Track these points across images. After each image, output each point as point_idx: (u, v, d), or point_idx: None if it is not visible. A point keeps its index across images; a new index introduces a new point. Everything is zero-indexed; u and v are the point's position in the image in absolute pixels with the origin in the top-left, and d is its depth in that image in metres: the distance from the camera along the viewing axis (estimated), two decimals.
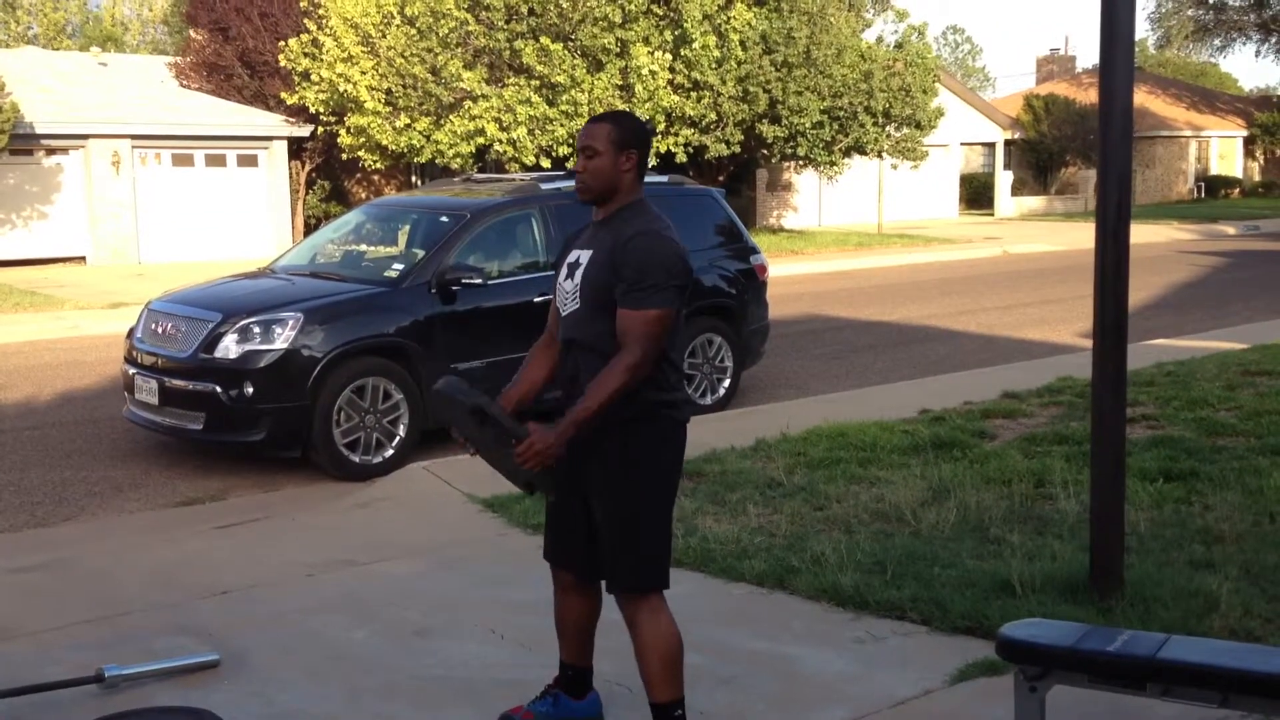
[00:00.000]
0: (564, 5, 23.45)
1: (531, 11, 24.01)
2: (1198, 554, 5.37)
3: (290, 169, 27.87)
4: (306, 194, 29.25)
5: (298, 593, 5.49)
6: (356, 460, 8.06)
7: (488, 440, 3.61)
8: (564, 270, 3.80)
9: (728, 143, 25.56)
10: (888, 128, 27.81)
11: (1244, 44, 51.31)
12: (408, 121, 24.56)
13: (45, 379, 11.81)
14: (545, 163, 24.15)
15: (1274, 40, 49.25)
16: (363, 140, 25.54)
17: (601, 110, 23.24)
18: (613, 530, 3.67)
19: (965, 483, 6.61)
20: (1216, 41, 51.22)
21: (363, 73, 24.13)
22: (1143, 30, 53.80)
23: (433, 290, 8.47)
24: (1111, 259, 4.73)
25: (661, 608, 3.69)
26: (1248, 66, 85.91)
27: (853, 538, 5.77)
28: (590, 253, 3.71)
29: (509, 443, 3.50)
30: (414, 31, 24.07)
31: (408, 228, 9.73)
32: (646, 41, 24.28)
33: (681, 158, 25.44)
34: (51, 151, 24.75)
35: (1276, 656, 3.29)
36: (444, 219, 9.19)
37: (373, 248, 9.80)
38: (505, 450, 3.53)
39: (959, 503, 6.20)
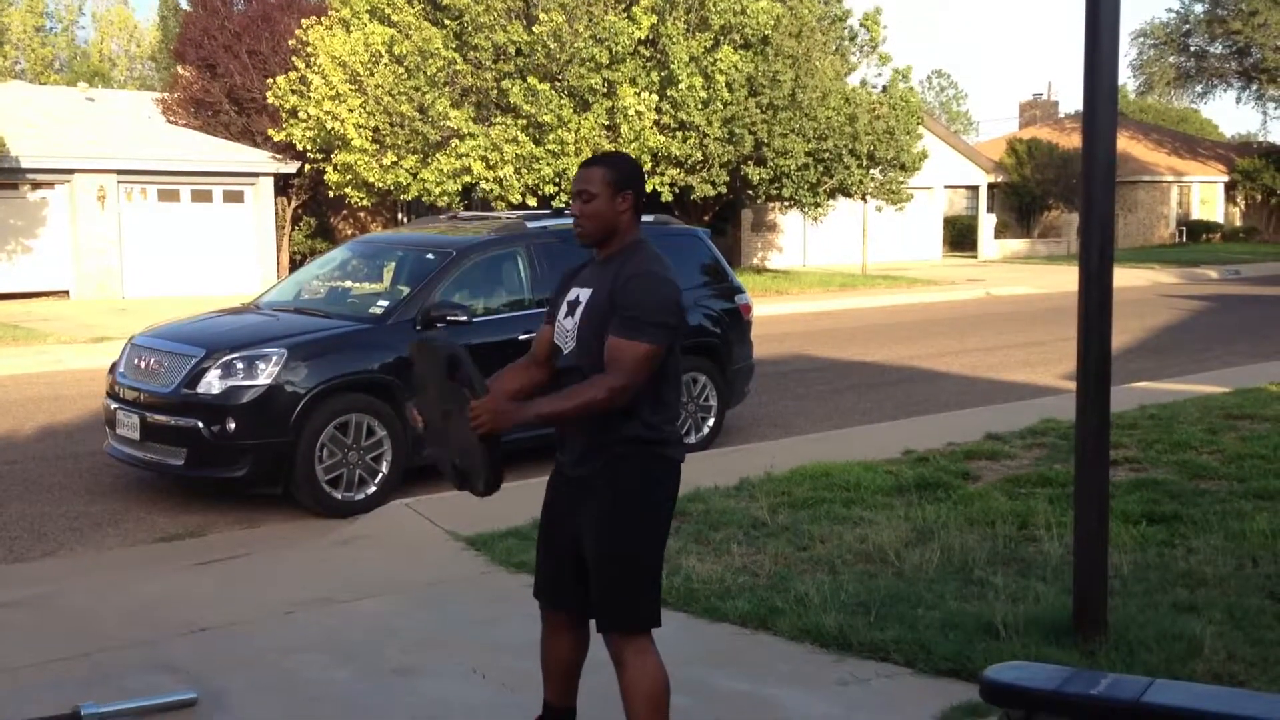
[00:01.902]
0: (551, 46, 23.60)
1: (519, 51, 24.16)
2: (1181, 597, 5.37)
3: (276, 205, 27.89)
4: (292, 230, 29.26)
5: (277, 631, 5.44)
6: (339, 497, 8.02)
7: (446, 401, 3.59)
8: (564, 308, 3.79)
9: (713, 183, 25.69)
10: (872, 170, 28.01)
11: (1225, 90, 51.86)
12: (394, 159, 24.63)
13: (26, 413, 11.74)
14: (531, 201, 24.23)
15: (1254, 87, 49.79)
16: (349, 177, 25.59)
17: (588, 150, 23.39)
18: (604, 570, 3.65)
19: (949, 524, 6.60)
20: (1198, 88, 51.77)
21: (350, 110, 24.21)
22: (1125, 77, 54.37)
23: (418, 327, 8.46)
24: (1095, 302, 4.75)
25: (649, 648, 3.66)
26: (1229, 113, 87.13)
27: (836, 578, 5.75)
28: (590, 291, 3.71)
29: (467, 402, 3.48)
30: (402, 70, 24.18)
31: (393, 264, 9.74)
32: (633, 82, 24.43)
33: (667, 197, 25.55)
34: (37, 186, 24.73)
35: (1260, 701, 3.28)
36: (429, 256, 9.20)
37: (358, 284, 9.79)
38: (462, 415, 3.50)
39: (943, 544, 6.20)
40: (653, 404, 3.65)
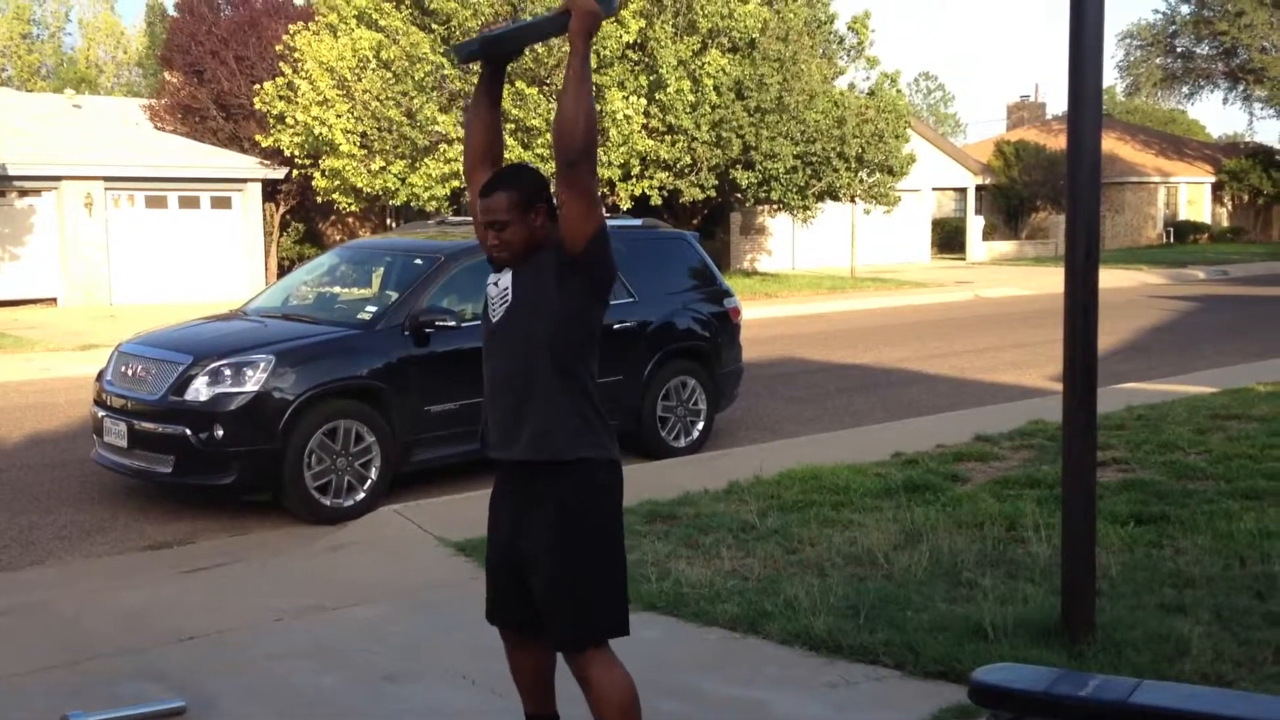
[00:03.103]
0: (539, 50, 23.61)
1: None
2: (1169, 597, 5.38)
3: (264, 211, 27.85)
4: (281, 236, 29.22)
5: (266, 638, 5.43)
6: (327, 503, 8.01)
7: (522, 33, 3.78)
8: (490, 286, 3.70)
9: (702, 186, 25.72)
10: (860, 173, 28.05)
11: (1212, 91, 52.09)
12: (383, 164, 24.62)
13: (13, 421, 11.70)
14: None
15: (1241, 88, 49.96)
16: (337, 183, 25.56)
17: None
18: (557, 590, 3.55)
19: (938, 526, 6.62)
20: (1185, 89, 51.94)
21: (338, 116, 24.19)
22: (1111, 78, 54.52)
23: (406, 332, 8.45)
24: (1080, 303, 4.76)
25: (612, 660, 3.59)
26: (1216, 113, 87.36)
27: (826, 581, 5.76)
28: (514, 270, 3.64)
29: (557, 21, 3.55)
30: (389, 75, 24.16)
31: (381, 270, 9.73)
32: (621, 86, 24.45)
33: (656, 201, 25.58)
34: (24, 193, 24.67)
35: (1248, 701, 3.29)
36: (418, 261, 9.19)
37: (346, 290, 9.79)
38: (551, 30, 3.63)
39: (931, 546, 6.21)
40: (588, 402, 3.57)
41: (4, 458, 10.02)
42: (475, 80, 22.73)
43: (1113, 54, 55.69)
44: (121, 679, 4.89)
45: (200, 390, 7.87)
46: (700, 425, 10.12)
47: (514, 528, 3.67)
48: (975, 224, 42.41)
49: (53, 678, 4.94)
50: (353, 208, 26.70)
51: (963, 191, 43.18)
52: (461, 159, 22.48)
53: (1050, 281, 28.63)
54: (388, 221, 31.32)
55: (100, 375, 8.80)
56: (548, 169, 23.78)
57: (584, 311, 3.60)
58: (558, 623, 3.58)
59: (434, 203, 24.70)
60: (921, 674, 4.72)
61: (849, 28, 29.30)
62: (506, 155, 20.18)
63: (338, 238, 30.65)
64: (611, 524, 3.62)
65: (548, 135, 23.66)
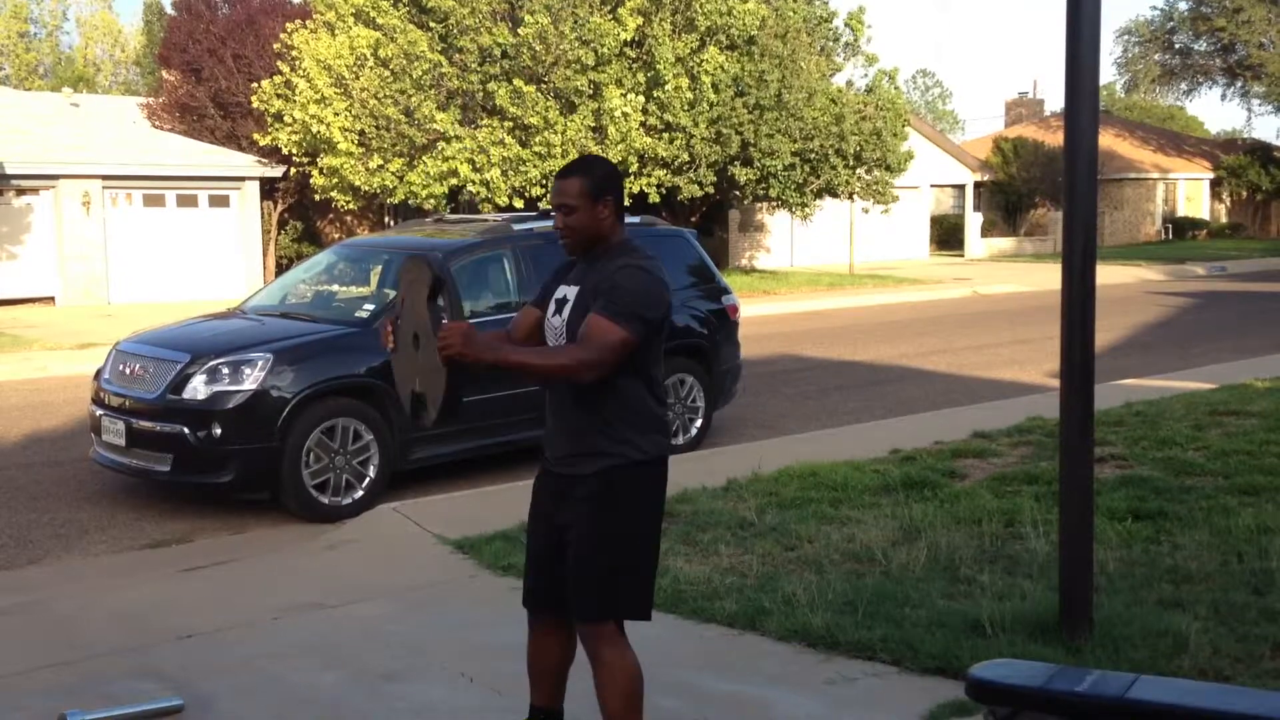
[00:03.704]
0: (537, 48, 23.60)
1: (505, 54, 24.15)
2: (1167, 593, 5.39)
3: (262, 209, 27.83)
4: (278, 234, 29.20)
5: (264, 636, 5.43)
6: (326, 502, 8.00)
7: (422, 324, 3.60)
8: (552, 306, 3.80)
9: (700, 184, 25.71)
10: (859, 170, 28.04)
11: (1210, 88, 52.06)
12: (381, 162, 24.60)
13: (12, 420, 11.69)
14: (518, 203, 24.23)
15: (1239, 84, 49.98)
16: (335, 181, 25.54)
17: (575, 152, 23.40)
18: (585, 564, 3.66)
19: (936, 522, 6.62)
20: (1183, 85, 51.95)
21: (336, 114, 24.17)
22: (1110, 74, 54.56)
23: None
24: (1078, 300, 4.76)
25: (624, 644, 3.69)
26: (1214, 110, 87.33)
27: (824, 578, 5.76)
28: (578, 289, 3.72)
29: (439, 326, 3.49)
30: (387, 73, 24.15)
31: (379, 268, 9.72)
32: (619, 84, 24.44)
33: (654, 198, 25.57)
34: (22, 192, 24.64)
35: (1245, 696, 3.30)
36: None
37: (344, 288, 9.77)
38: (430, 339, 3.52)
39: (929, 542, 6.21)
40: (654, 400, 3.69)
41: (2, 456, 10.01)
42: (473, 79, 22.72)
43: (1111, 50, 55.83)
44: (119, 677, 4.89)
45: (198, 389, 7.87)
46: (698, 422, 10.11)
47: (554, 503, 3.77)
48: (974, 221, 42.40)
49: (50, 676, 4.94)
50: (350, 206, 26.69)
51: (961, 188, 43.18)
52: (459, 157, 22.39)
53: (1049, 278, 28.64)
54: (385, 220, 31.31)
55: (98, 374, 8.79)
56: (547, 167, 23.79)
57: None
58: (579, 592, 3.68)
59: (432, 201, 24.69)
60: (919, 670, 4.73)
61: (846, 24, 29.29)
62: (504, 154, 20.04)
63: (335, 236, 30.64)
64: (647, 510, 3.72)
65: (546, 134, 23.67)
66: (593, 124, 24.23)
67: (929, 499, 7.20)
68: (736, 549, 6.35)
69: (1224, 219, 50.55)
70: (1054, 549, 5.55)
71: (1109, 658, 4.59)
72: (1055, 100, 58.13)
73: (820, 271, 32.73)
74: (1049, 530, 6.16)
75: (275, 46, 26.30)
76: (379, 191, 25.31)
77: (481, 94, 24.41)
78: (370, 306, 8.81)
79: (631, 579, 3.69)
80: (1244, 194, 50.08)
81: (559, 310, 3.76)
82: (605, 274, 3.63)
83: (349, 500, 8.06)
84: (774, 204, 28.78)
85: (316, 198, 27.50)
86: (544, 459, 3.86)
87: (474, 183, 24.06)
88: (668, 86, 24.48)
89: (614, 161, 24.21)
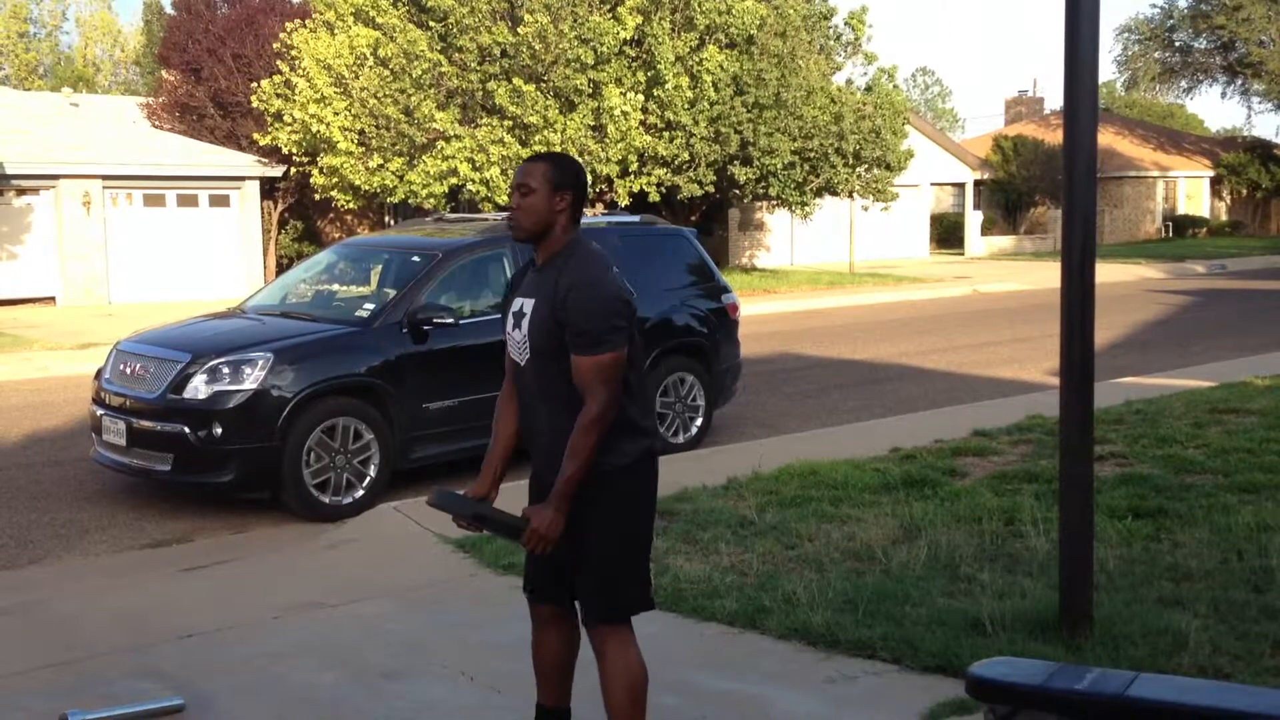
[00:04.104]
0: (536, 47, 23.59)
1: (504, 53, 24.15)
2: (1166, 591, 5.39)
3: (262, 209, 27.84)
4: (279, 234, 29.21)
5: (265, 636, 5.43)
6: (326, 501, 8.01)
7: (492, 529, 3.75)
8: (510, 320, 3.82)
9: (700, 183, 25.72)
10: (858, 169, 28.04)
11: (1210, 85, 52.04)
12: (380, 162, 24.60)
13: (12, 420, 11.70)
14: None
15: (1239, 82, 49.98)
16: (335, 180, 25.55)
17: (574, 151, 23.40)
18: (588, 564, 3.68)
19: (936, 521, 6.62)
20: (1183, 83, 51.95)
21: (335, 113, 24.17)
22: (1110, 72, 54.58)
23: (404, 330, 8.45)
24: (1077, 297, 4.76)
25: (631, 641, 3.72)
26: (1214, 108, 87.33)
27: (824, 576, 5.76)
28: (533, 301, 3.73)
29: (515, 535, 3.62)
30: (387, 72, 24.15)
31: (379, 267, 9.72)
32: (619, 82, 24.44)
33: (654, 197, 25.57)
34: (22, 192, 24.65)
35: (1245, 694, 3.30)
36: (415, 259, 9.19)
37: (344, 287, 9.78)
38: (512, 541, 3.69)
39: (930, 541, 6.21)
40: (626, 395, 3.67)
41: (2, 456, 10.01)
42: (472, 78, 22.67)
43: (1111, 48, 55.86)
44: (120, 677, 4.90)
45: (199, 388, 7.87)
46: (699, 421, 10.12)
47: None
48: (974, 219, 42.41)
49: (51, 676, 4.94)
50: (351, 205, 26.69)
51: (961, 187, 43.19)
52: (459, 156, 22.41)
53: (1049, 276, 28.64)
54: (385, 219, 31.32)
55: (99, 374, 8.79)
56: None
57: None
58: (583, 594, 3.73)
59: (432, 200, 24.68)
60: (919, 669, 4.73)
61: (846, 23, 29.29)
62: (503, 153, 20.04)
63: (336, 235, 30.65)
64: (639, 507, 3.73)
65: (545, 133, 23.67)
66: (592, 123, 24.23)
67: (929, 497, 7.21)
68: (737, 547, 6.35)
69: (1224, 217, 50.55)
70: (1054, 547, 5.56)
71: (1109, 656, 4.59)
72: (1055, 98, 58.13)
73: (820, 270, 32.74)
74: (1049, 528, 6.16)
75: (275, 46, 26.30)
76: (379, 191, 25.31)
77: (481, 93, 24.41)
78: (370, 306, 8.81)
79: (631, 577, 3.72)
80: (1244, 192, 50.08)
81: (517, 324, 3.77)
82: (559, 290, 3.63)
83: (350, 499, 8.06)
84: (774, 203, 28.79)
85: (316, 197, 27.50)
86: (535, 465, 3.88)
87: (474, 182, 24.06)
88: (667, 85, 24.47)
89: (614, 160, 24.23)
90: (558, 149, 23.63)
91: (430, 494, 3.83)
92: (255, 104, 26.00)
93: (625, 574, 3.70)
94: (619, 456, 3.66)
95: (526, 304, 3.75)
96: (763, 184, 26.72)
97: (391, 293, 8.88)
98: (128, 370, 8.40)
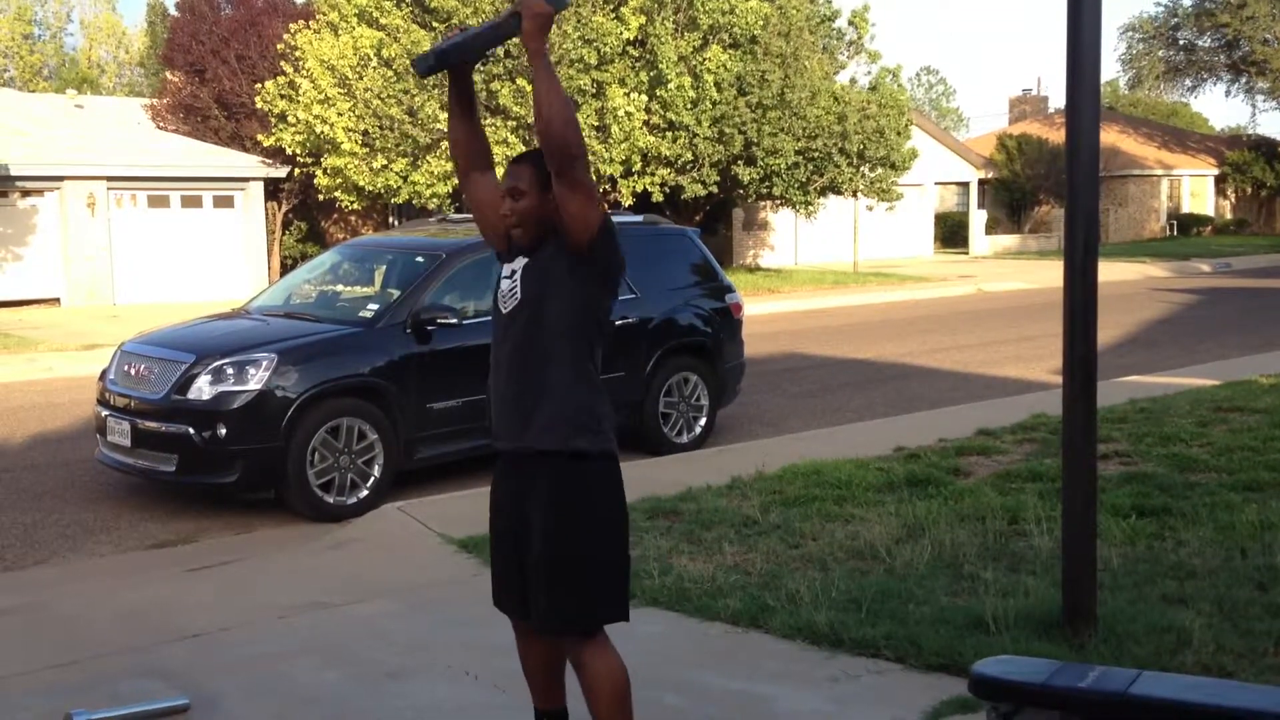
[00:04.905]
0: None
1: (508, 53, 24.15)
2: (1170, 589, 5.39)
3: (267, 210, 27.87)
4: (283, 235, 29.24)
5: (269, 635, 5.44)
6: (331, 501, 8.02)
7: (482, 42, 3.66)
8: (504, 270, 3.72)
9: (704, 183, 25.72)
10: (862, 168, 28.03)
11: (1214, 84, 52.02)
12: (384, 162, 24.62)
13: (17, 421, 11.72)
14: None
15: (1244, 80, 49.94)
16: (339, 181, 25.57)
17: None
18: (551, 575, 3.57)
19: (940, 520, 6.62)
20: (1187, 82, 51.93)
21: (339, 114, 24.19)
22: (1114, 71, 54.53)
23: (408, 330, 8.46)
24: (1080, 296, 4.76)
25: (607, 646, 3.63)
26: (1218, 106, 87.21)
27: (828, 575, 5.76)
28: (526, 260, 3.66)
29: (514, 22, 3.48)
30: (391, 73, 24.17)
31: (383, 268, 9.73)
32: (622, 83, 24.44)
33: (658, 197, 25.57)
34: (26, 193, 24.69)
35: (1247, 692, 3.30)
36: (419, 259, 9.20)
37: (348, 288, 9.79)
38: (508, 33, 3.56)
39: (933, 540, 6.21)
40: (591, 389, 3.61)
41: (8, 457, 10.04)
42: (476, 80, 22.83)
43: (1115, 47, 55.74)
44: (124, 677, 4.91)
45: (203, 389, 7.88)
46: (702, 421, 10.12)
47: (515, 512, 3.69)
48: (978, 218, 42.39)
49: (56, 676, 4.95)
50: (355, 206, 26.72)
51: (965, 186, 43.16)
52: None
53: (1053, 275, 28.55)
54: (390, 220, 31.34)
55: (103, 375, 8.81)
56: None
57: (594, 301, 3.63)
58: (543, 605, 3.60)
59: (436, 200, 24.70)
60: (923, 667, 4.73)
61: (850, 23, 29.28)
62: (508, 151, 20.18)
63: (340, 236, 30.67)
64: (609, 512, 3.63)
65: None
66: (596, 123, 24.23)
67: (933, 496, 7.21)
68: (740, 547, 6.35)
69: (1229, 215, 50.49)
70: (1057, 545, 5.55)
71: (1112, 654, 4.59)
72: (1059, 97, 58.09)
73: (824, 269, 32.73)
74: (1052, 527, 6.16)
75: (279, 47, 26.33)
76: (383, 191, 25.33)
77: (485, 93, 24.42)
78: (374, 306, 8.82)
79: (602, 580, 3.60)
80: (1248, 190, 50.02)
81: (510, 275, 3.68)
82: (558, 245, 3.58)
83: (354, 500, 8.07)
84: (777, 202, 28.78)
85: (321, 198, 27.52)
86: (499, 451, 3.78)
87: None
88: (670, 85, 24.47)
89: (618, 160, 24.22)
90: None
91: (414, 62, 3.75)
92: (259, 105, 26.02)
93: (590, 580, 3.58)
94: (593, 438, 3.57)
95: (519, 262, 3.68)
96: (767, 184, 26.71)
97: (395, 293, 8.89)
98: (132, 371, 8.42)
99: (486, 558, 6.38)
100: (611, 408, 3.71)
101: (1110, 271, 25.83)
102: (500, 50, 23.98)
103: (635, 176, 25.18)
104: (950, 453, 8.57)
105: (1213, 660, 4.58)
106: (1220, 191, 50.50)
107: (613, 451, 3.66)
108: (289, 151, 25.94)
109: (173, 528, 7.91)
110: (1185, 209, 49.00)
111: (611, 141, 24.04)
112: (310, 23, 25.97)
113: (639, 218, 10.76)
